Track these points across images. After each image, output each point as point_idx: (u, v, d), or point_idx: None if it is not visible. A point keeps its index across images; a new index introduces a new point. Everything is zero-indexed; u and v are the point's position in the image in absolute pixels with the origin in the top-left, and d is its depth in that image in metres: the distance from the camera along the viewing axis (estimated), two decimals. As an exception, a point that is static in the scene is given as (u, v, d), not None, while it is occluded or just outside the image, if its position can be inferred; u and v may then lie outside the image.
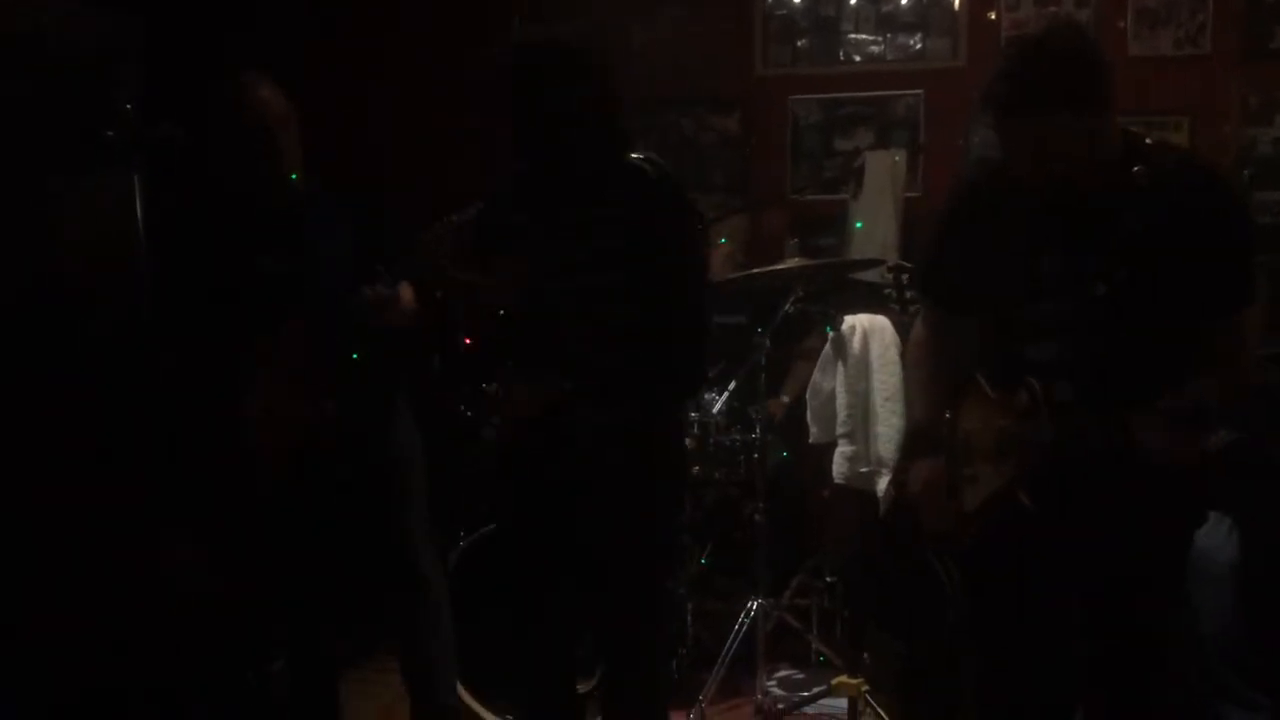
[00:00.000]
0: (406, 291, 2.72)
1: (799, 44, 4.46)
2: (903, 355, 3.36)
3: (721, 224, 3.96)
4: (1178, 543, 2.15)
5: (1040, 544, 2.07)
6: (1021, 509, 2.01)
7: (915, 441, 2.29)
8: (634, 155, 2.30)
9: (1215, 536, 2.72)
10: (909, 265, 3.57)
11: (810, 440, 3.60)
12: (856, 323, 3.47)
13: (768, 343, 3.36)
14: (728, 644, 3.29)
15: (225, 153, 2.63)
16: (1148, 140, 2.03)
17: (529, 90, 2.23)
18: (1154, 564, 2.10)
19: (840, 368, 3.46)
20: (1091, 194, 1.96)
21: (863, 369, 3.44)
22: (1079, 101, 1.89)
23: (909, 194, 4.17)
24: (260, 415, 2.59)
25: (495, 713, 3.13)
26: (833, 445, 3.50)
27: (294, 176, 2.65)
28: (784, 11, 4.46)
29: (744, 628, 3.30)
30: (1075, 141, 1.90)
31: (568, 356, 2.25)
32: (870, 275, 3.73)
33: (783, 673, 3.55)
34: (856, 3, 4.40)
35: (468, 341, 3.80)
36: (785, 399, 3.78)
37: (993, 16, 4.25)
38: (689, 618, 3.46)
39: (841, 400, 3.45)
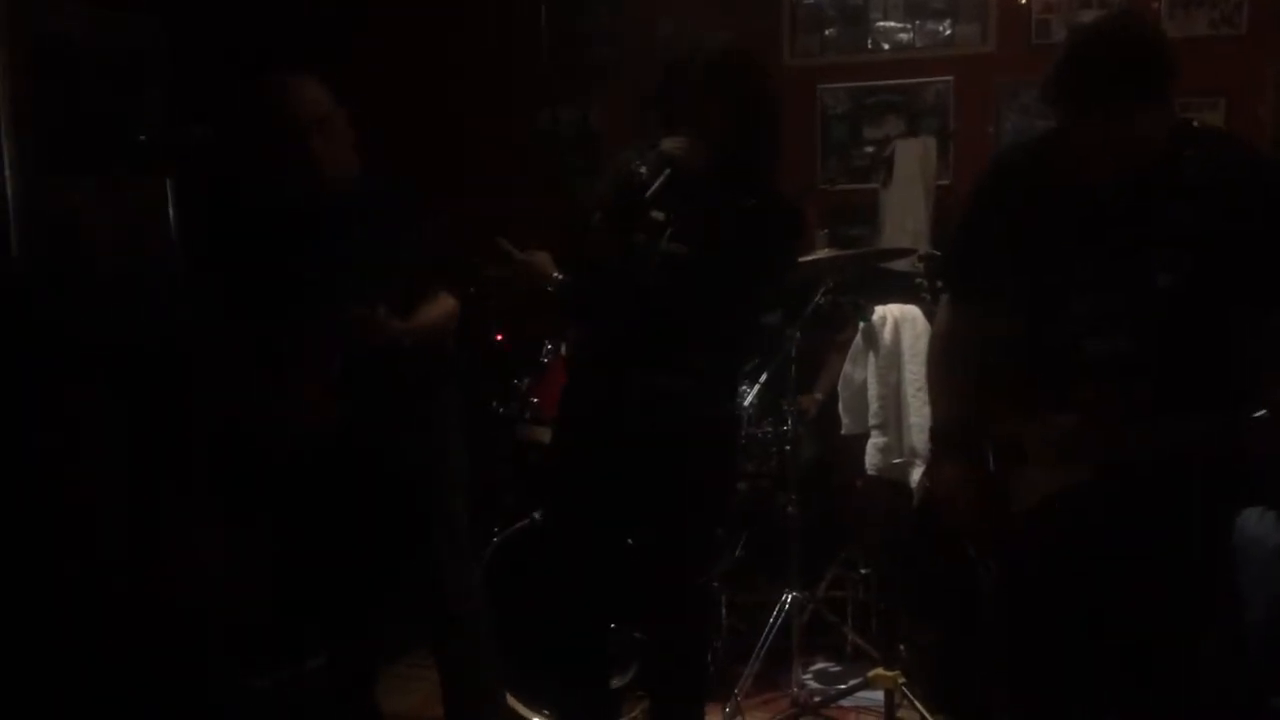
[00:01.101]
0: (445, 302, 2.70)
1: (827, 33, 4.43)
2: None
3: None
4: (1225, 532, 2.11)
5: (1097, 545, 2.02)
6: (1081, 510, 1.97)
7: (943, 443, 2.22)
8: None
9: (1263, 523, 2.68)
10: (940, 254, 3.54)
11: (842, 432, 3.58)
12: (887, 313, 3.44)
13: (798, 334, 3.34)
14: (763, 637, 3.28)
15: (255, 153, 2.63)
16: (1195, 123, 1.98)
17: (715, 82, 2.40)
18: (1205, 556, 2.05)
19: (871, 358, 3.44)
20: (1146, 181, 1.90)
21: (894, 360, 3.42)
22: (1148, 93, 1.84)
23: (940, 182, 4.14)
24: (270, 412, 2.59)
25: (532, 710, 3.14)
26: (865, 436, 3.48)
27: (330, 176, 2.64)
28: (811, 0, 4.43)
29: (779, 620, 3.29)
30: (1139, 131, 1.85)
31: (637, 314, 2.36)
32: (901, 265, 3.70)
33: (818, 665, 3.53)
34: (884, -10, 4.36)
35: (499, 337, 3.82)
36: (819, 395, 3.76)
37: (1023, 1, 4.21)
38: (724, 611, 3.46)
39: (873, 391, 3.43)
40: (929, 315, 3.43)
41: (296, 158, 2.58)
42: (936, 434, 2.26)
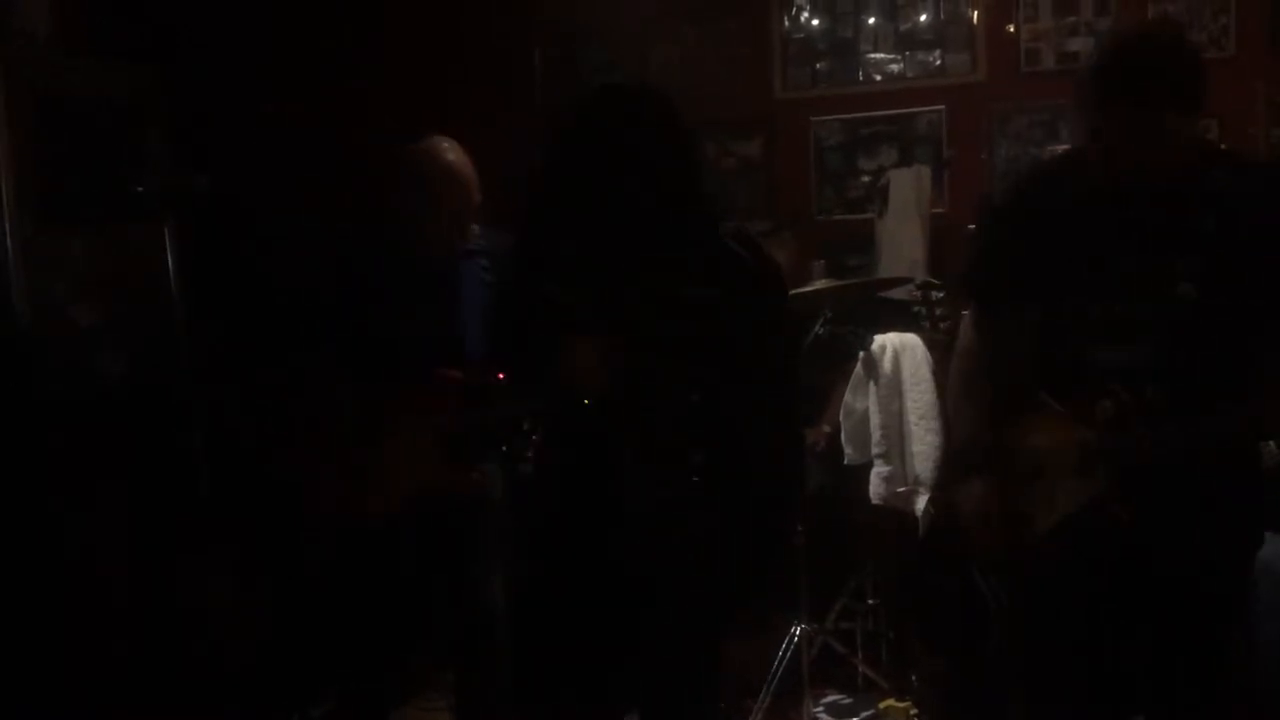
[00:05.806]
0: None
1: (818, 66, 4.47)
2: (934, 373, 3.33)
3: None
4: (1249, 549, 2.11)
5: (1123, 561, 2.00)
6: (1107, 525, 1.96)
7: (965, 458, 2.17)
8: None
9: (1273, 547, 2.66)
10: (936, 282, 3.55)
11: (845, 462, 3.58)
12: (886, 342, 3.45)
13: (798, 365, 3.34)
14: (772, 670, 3.26)
15: (402, 214, 2.70)
16: (1222, 145, 2.00)
17: (607, 141, 1.89)
18: (1229, 573, 2.06)
19: (872, 388, 3.44)
20: (1175, 191, 1.91)
21: (895, 388, 3.42)
22: (1182, 99, 1.87)
23: (935, 210, 4.16)
24: (391, 468, 2.58)
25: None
26: (868, 466, 3.48)
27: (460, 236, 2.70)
28: (802, 34, 4.47)
29: (788, 653, 3.28)
30: (1171, 139, 1.87)
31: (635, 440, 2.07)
32: (899, 293, 3.71)
33: (830, 698, 3.51)
34: (874, 22, 4.40)
35: (500, 376, 3.80)
36: (827, 428, 3.74)
37: (1011, 29, 4.24)
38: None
39: (875, 420, 3.43)
40: (929, 343, 3.44)
41: (438, 218, 2.67)
42: (960, 455, 2.21)
